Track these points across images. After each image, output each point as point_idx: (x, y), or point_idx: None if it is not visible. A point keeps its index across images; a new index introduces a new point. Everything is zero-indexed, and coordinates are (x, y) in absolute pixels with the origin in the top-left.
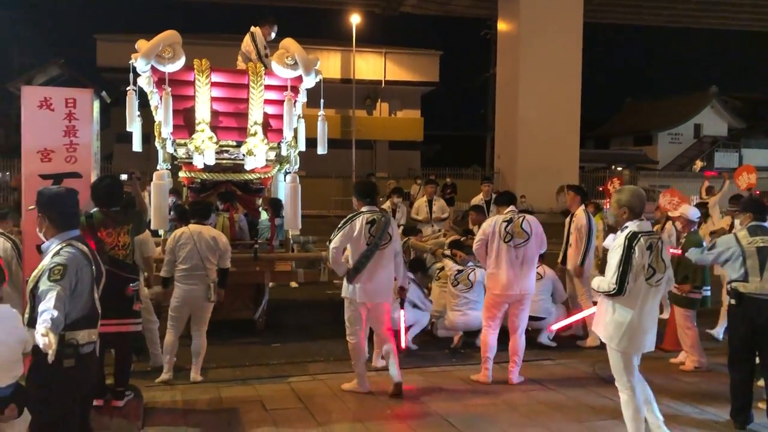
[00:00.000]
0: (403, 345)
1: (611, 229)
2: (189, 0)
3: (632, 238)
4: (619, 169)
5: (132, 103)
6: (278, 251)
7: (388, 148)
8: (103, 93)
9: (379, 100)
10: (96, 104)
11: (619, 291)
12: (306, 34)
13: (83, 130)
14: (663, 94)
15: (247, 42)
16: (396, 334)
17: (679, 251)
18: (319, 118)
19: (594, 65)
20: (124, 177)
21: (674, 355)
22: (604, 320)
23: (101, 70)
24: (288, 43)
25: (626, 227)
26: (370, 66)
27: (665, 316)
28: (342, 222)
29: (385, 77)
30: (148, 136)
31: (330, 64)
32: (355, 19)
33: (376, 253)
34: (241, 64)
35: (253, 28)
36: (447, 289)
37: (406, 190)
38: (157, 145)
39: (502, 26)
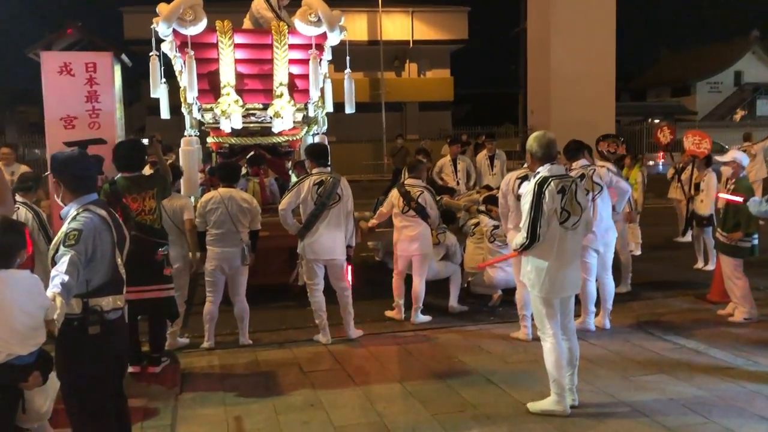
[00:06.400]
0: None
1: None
2: None
3: (542, 183)
4: (657, 121)
5: (155, 68)
6: None
7: (418, 110)
8: (124, 56)
9: (408, 60)
10: (117, 68)
11: (531, 240)
12: None
13: (105, 95)
14: (701, 41)
15: (260, 4)
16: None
17: (733, 197)
18: (346, 77)
19: (629, 15)
20: (145, 141)
21: (722, 307)
22: (526, 268)
23: (129, 42)
24: (311, 0)
25: (538, 172)
26: (396, 26)
27: (711, 267)
28: (291, 185)
29: (412, 37)
30: (178, 107)
31: (356, 26)
32: None
33: (325, 212)
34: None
35: None
36: (482, 245)
37: (438, 152)
38: (184, 111)
39: None
